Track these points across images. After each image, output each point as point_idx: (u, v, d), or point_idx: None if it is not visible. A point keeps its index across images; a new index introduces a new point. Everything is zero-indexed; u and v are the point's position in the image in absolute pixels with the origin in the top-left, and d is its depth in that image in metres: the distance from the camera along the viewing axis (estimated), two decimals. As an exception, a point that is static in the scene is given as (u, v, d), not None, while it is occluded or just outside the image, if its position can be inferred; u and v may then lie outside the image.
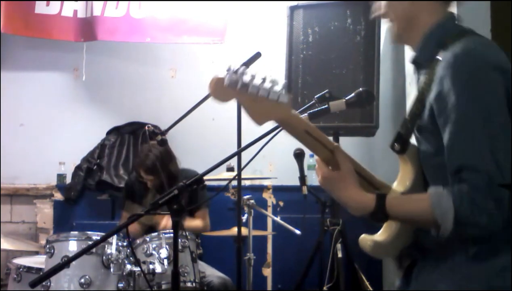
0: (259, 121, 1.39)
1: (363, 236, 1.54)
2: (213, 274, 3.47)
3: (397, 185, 1.56)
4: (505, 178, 1.34)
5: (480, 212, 1.33)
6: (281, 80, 1.37)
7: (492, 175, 1.33)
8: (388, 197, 1.43)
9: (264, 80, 1.35)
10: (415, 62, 1.61)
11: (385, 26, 1.70)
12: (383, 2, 1.62)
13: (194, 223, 3.71)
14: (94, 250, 2.83)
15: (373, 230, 1.58)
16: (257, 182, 4.45)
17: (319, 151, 1.49)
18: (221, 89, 1.33)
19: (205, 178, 1.83)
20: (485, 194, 1.32)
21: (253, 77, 1.34)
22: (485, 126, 1.36)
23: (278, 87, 1.36)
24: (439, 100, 1.41)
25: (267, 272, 4.39)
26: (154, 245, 3.04)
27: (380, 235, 1.54)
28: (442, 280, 1.47)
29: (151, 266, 2.95)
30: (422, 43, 1.55)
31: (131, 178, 4.09)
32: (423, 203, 1.40)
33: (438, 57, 1.46)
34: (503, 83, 1.39)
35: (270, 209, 4.39)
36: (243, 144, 2.02)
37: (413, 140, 1.55)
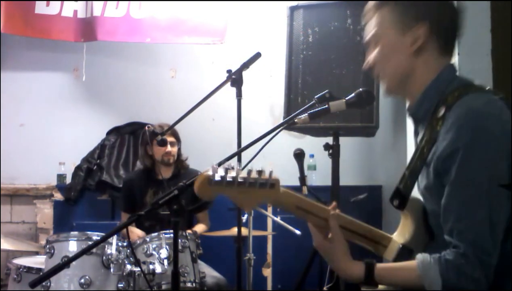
0: (250, 207, 1.46)
1: None
2: (208, 273, 3.47)
3: (397, 236, 1.57)
4: (495, 246, 1.35)
5: (467, 280, 1.35)
6: (267, 168, 1.41)
7: (481, 241, 1.35)
8: (377, 267, 1.46)
9: (250, 172, 1.38)
10: (413, 116, 1.59)
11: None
12: (372, 55, 1.57)
13: (195, 229, 3.72)
14: (94, 250, 2.83)
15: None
16: (257, 182, 4.44)
17: (313, 220, 1.52)
18: (208, 188, 1.36)
19: (205, 178, 1.83)
20: (472, 261, 1.35)
21: (238, 171, 1.38)
22: (482, 191, 1.36)
23: (265, 175, 1.40)
24: (443, 162, 1.41)
25: (267, 272, 4.39)
26: (154, 245, 3.04)
27: None
28: None
29: (151, 266, 2.95)
30: (421, 98, 1.52)
31: (129, 176, 4.09)
32: (411, 272, 1.43)
33: (439, 114, 1.45)
34: (506, 145, 1.38)
35: (270, 209, 4.38)
36: (243, 145, 2.01)
37: (416, 192, 1.56)
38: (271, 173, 1.40)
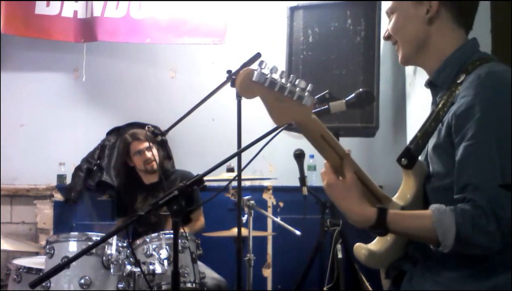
0: (279, 121, 1.37)
1: (358, 244, 1.54)
2: (208, 275, 3.46)
3: (398, 198, 1.56)
4: (510, 203, 1.33)
5: (481, 232, 1.33)
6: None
7: (496, 195, 1.33)
8: (390, 212, 1.42)
9: (292, 80, 1.34)
10: (432, 84, 1.61)
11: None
12: (390, 25, 1.62)
13: (191, 227, 3.72)
14: (94, 250, 2.83)
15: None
16: (257, 183, 4.44)
17: (329, 156, 1.48)
18: (249, 84, 1.31)
19: (205, 178, 1.83)
20: (487, 214, 1.32)
21: (282, 75, 1.33)
22: (500, 147, 1.35)
23: (304, 90, 1.35)
24: (459, 117, 1.41)
25: (267, 272, 4.39)
26: (154, 246, 3.04)
27: (374, 245, 1.54)
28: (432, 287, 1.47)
29: (151, 267, 2.95)
30: (442, 66, 1.55)
31: (118, 184, 4.11)
32: (425, 220, 1.39)
33: (459, 81, 1.47)
34: None
35: (270, 210, 4.39)
36: (243, 145, 2.02)
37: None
38: (311, 86, 1.35)
